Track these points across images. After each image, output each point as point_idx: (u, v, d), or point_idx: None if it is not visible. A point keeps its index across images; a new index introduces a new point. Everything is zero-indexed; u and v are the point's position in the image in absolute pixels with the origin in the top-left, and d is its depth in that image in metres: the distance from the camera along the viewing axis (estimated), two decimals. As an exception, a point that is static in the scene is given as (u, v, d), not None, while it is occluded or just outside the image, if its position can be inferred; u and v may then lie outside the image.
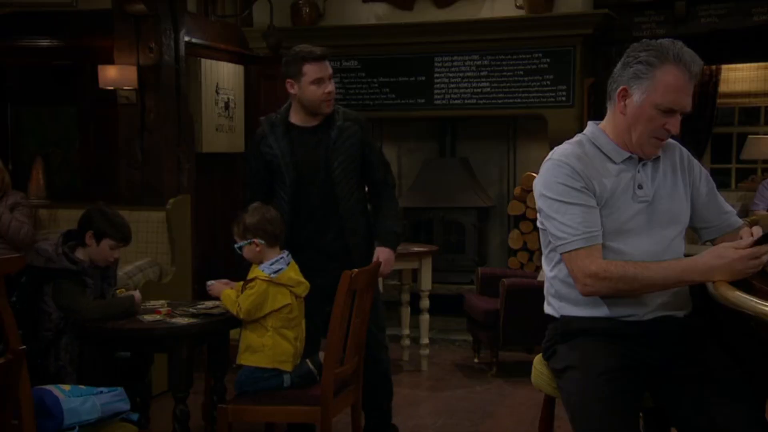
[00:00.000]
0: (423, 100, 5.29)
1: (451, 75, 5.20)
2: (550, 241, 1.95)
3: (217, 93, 4.94)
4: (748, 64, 6.80)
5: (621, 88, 1.88)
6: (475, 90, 5.17)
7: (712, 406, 1.77)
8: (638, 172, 1.92)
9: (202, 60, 4.80)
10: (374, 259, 3.00)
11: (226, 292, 2.76)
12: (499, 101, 5.09)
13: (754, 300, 1.53)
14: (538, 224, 1.99)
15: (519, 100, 5.04)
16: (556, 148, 1.96)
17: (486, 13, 5.08)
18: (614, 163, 1.92)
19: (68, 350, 2.73)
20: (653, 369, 1.87)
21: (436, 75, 5.23)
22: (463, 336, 5.15)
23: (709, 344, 1.92)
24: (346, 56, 5.38)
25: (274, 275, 2.70)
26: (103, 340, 2.80)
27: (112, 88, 4.20)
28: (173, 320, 2.77)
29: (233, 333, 3.16)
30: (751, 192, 6.19)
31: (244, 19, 5.44)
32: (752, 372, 1.87)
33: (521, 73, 5.01)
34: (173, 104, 4.29)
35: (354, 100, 5.44)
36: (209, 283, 2.85)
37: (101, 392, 2.33)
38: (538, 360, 2.10)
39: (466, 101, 5.20)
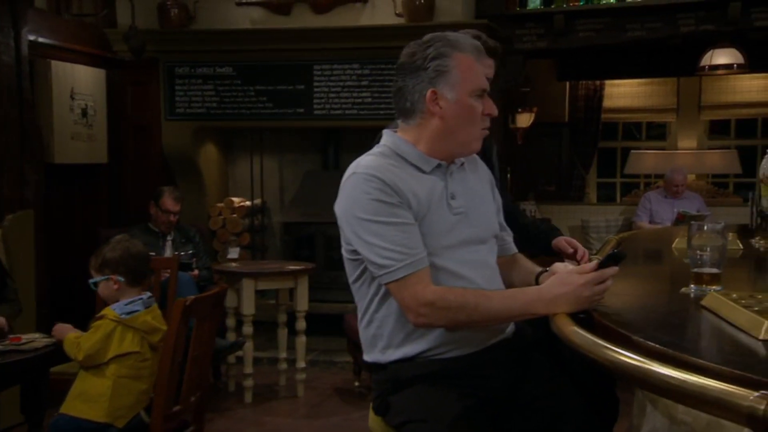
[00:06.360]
0: (302, 110, 5.04)
1: (331, 84, 4.98)
2: (362, 273, 1.71)
3: (72, 98, 4.50)
4: (629, 80, 6.99)
5: (429, 91, 1.68)
6: (356, 100, 4.97)
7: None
8: (447, 181, 1.74)
9: (53, 62, 4.36)
10: None
11: (69, 336, 2.43)
12: (381, 112, 4.91)
13: (594, 338, 1.35)
14: (344, 253, 1.73)
15: (401, 111, 4.87)
16: (357, 161, 1.72)
17: (366, 20, 4.90)
18: (423, 172, 1.72)
19: None
20: (496, 401, 1.72)
21: (316, 84, 4.99)
22: (347, 357, 4.91)
23: (549, 368, 1.78)
24: (220, 62, 5.06)
25: (126, 316, 2.40)
26: None
27: (-60, 90, 3.72)
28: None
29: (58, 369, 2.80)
30: (634, 206, 6.30)
31: (107, 19, 5.02)
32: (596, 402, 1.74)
33: (403, 83, 4.84)
34: (15, 110, 3.85)
35: (229, 109, 5.13)
36: (57, 325, 2.52)
37: None
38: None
39: (347, 111, 4.99)
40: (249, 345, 4.21)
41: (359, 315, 1.78)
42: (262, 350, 4.87)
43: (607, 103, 7.03)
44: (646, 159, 6.87)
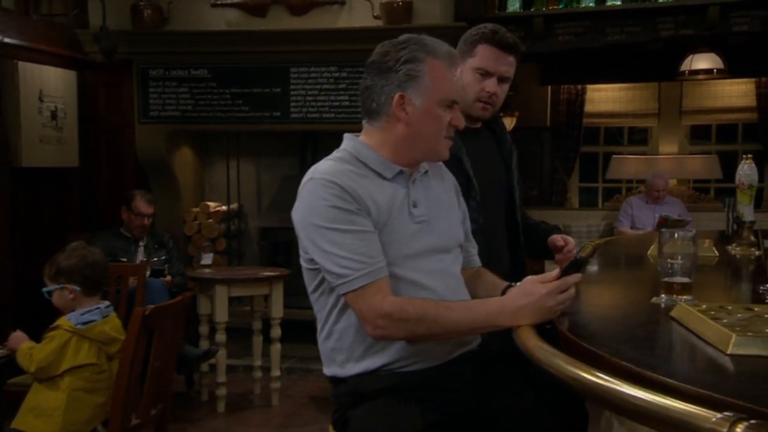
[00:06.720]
0: (279, 114, 4.96)
1: (307, 87, 4.90)
2: (320, 283, 1.64)
3: (41, 101, 4.39)
4: (611, 85, 6.96)
5: (397, 95, 1.61)
6: (333, 103, 4.89)
7: None
8: (410, 189, 1.67)
9: (20, 63, 4.24)
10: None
11: (22, 347, 2.33)
12: (358, 115, 4.81)
13: (555, 353, 1.27)
14: (302, 262, 1.66)
15: (379, 115, 4.80)
16: (315, 166, 1.65)
17: (343, 22, 4.83)
18: (385, 179, 1.65)
19: None
20: (460, 416, 1.65)
21: (292, 87, 4.91)
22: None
23: (515, 381, 1.71)
24: (195, 64, 4.97)
25: (81, 326, 2.30)
26: None
27: None
28: None
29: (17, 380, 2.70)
30: (616, 211, 6.27)
31: (79, 20, 4.91)
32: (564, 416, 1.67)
33: (381, 86, 4.78)
34: (-21, 112, 3.74)
35: (204, 112, 5.04)
36: (12, 334, 2.43)
37: None
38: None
39: (324, 115, 4.91)
40: (222, 353, 4.12)
41: (318, 327, 1.71)
42: (237, 358, 4.78)
43: (588, 107, 6.99)
44: (627, 164, 6.84)
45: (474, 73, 2.10)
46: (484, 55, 2.10)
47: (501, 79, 2.11)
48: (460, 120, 1.67)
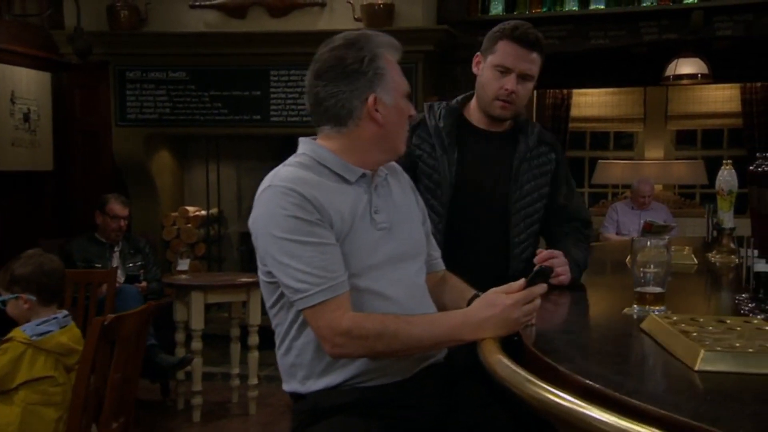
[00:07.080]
0: (258, 117, 4.89)
1: (288, 90, 4.83)
2: (280, 297, 1.56)
3: (13, 102, 4.30)
4: (597, 90, 6.93)
5: (372, 97, 1.55)
6: (314, 107, 4.82)
7: None
8: (372, 195, 1.60)
9: (-9, 64, 4.17)
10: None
11: None
12: (340, 119, 4.76)
13: (515, 369, 1.20)
14: (260, 275, 1.58)
15: (360, 119, 4.73)
16: (274, 172, 1.57)
17: (324, 24, 4.76)
18: (348, 183, 1.58)
19: None
20: (423, 431, 1.58)
21: (272, 89, 4.84)
22: (303, 372, 4.74)
23: (482, 396, 1.64)
24: (173, 66, 4.89)
25: (37, 338, 2.20)
26: None
27: None
28: None
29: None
30: (602, 216, 6.22)
31: (54, 20, 4.82)
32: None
33: (362, 89, 4.71)
34: (-53, 113, 3.65)
35: (183, 115, 4.96)
36: None
37: None
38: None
39: (304, 118, 4.84)
40: (198, 361, 4.03)
41: (277, 342, 1.63)
42: (216, 365, 4.68)
43: (574, 112, 6.97)
44: (613, 169, 6.82)
45: (493, 71, 2.00)
46: (503, 51, 2.00)
47: (522, 77, 2.00)
48: (412, 109, 1.64)
